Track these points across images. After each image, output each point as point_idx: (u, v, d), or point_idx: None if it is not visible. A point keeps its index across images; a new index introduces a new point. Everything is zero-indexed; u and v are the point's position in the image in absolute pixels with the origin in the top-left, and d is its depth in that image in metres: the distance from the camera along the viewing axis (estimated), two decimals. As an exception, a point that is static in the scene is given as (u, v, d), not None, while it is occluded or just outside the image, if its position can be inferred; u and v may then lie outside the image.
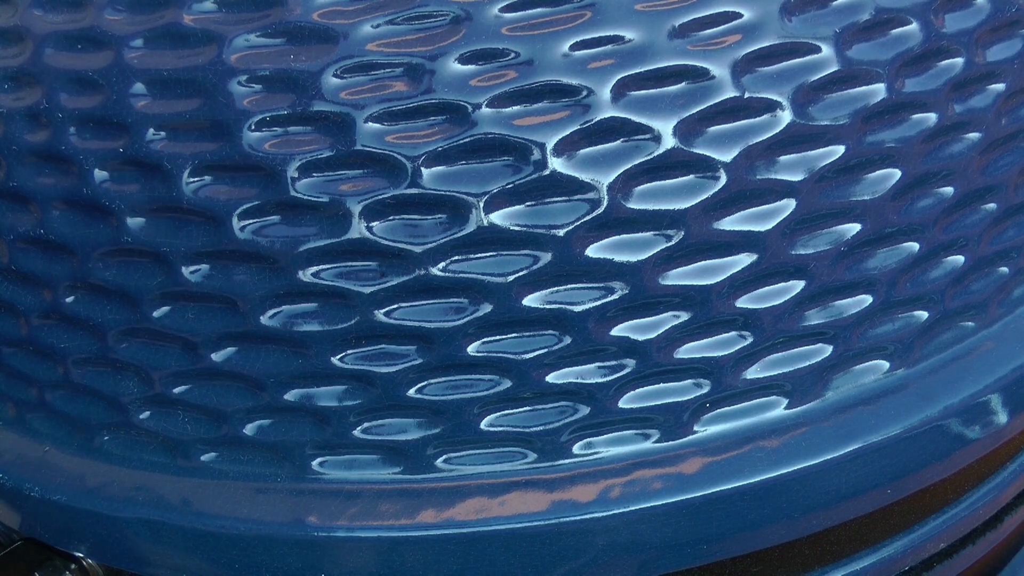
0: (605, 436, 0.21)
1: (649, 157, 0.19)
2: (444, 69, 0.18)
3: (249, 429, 0.21)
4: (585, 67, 0.19)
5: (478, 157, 0.19)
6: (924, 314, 0.22)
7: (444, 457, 0.21)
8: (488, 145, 0.19)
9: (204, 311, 0.20)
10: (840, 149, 0.20)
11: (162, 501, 0.22)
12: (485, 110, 0.18)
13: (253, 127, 0.19)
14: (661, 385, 0.20)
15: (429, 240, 0.19)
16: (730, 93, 0.19)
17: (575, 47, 0.19)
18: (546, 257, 0.19)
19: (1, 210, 0.22)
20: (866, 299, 0.21)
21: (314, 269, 0.19)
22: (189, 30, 0.19)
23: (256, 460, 0.21)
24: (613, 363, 0.20)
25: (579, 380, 0.20)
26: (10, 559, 0.24)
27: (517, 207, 0.19)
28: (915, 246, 0.21)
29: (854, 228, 0.20)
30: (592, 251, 0.19)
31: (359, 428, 0.21)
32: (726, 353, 0.20)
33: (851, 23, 0.19)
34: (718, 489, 0.20)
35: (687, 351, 0.20)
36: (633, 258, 0.19)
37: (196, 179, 0.19)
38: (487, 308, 0.19)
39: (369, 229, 0.19)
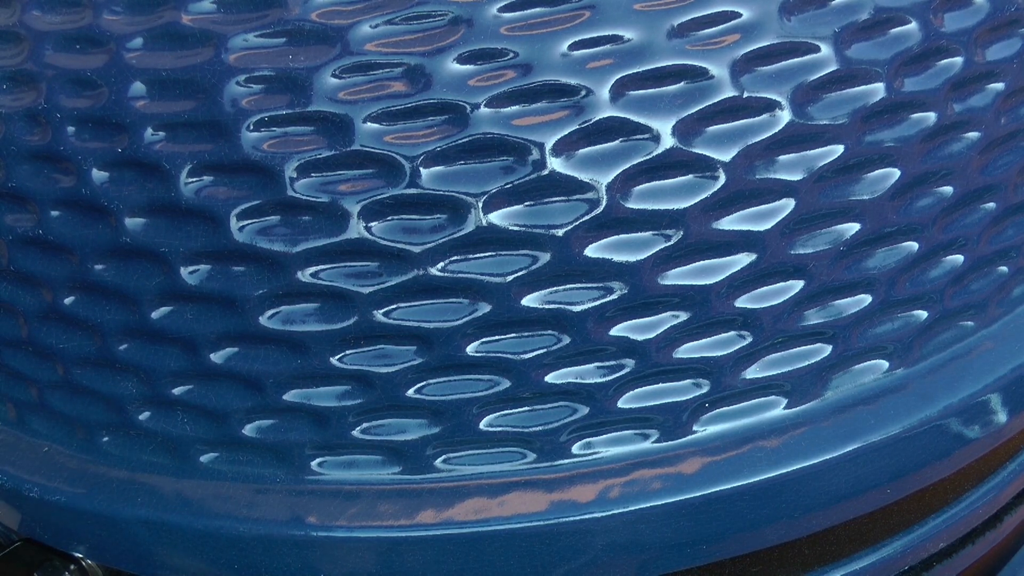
0: (604, 436, 0.21)
1: (648, 157, 0.19)
2: (443, 69, 0.18)
3: (248, 430, 0.21)
4: (584, 67, 0.19)
5: (477, 157, 0.19)
6: (923, 314, 0.22)
7: (443, 457, 0.21)
8: (487, 145, 0.19)
9: (203, 311, 0.20)
10: (839, 149, 0.20)
11: (162, 501, 0.22)
12: (484, 110, 0.18)
13: (252, 127, 0.19)
14: (660, 385, 0.20)
15: (428, 240, 0.19)
16: (729, 93, 0.19)
17: (574, 47, 0.19)
18: (545, 257, 0.19)
19: (0, 210, 0.22)
20: (865, 299, 0.21)
21: (313, 269, 0.19)
22: (188, 30, 0.19)
23: (255, 460, 0.21)
24: (612, 363, 0.20)
25: (578, 380, 0.20)
26: (9, 559, 0.24)
27: (516, 207, 0.19)
28: (914, 246, 0.21)
29: (853, 228, 0.20)
30: (591, 251, 0.19)
31: (358, 428, 0.21)
32: (725, 353, 0.20)
33: (850, 22, 0.19)
34: (718, 489, 0.20)
35: (686, 351, 0.20)
36: (632, 258, 0.19)
37: (195, 179, 0.19)
38: (486, 308, 0.19)
39: (368, 229, 0.19)
